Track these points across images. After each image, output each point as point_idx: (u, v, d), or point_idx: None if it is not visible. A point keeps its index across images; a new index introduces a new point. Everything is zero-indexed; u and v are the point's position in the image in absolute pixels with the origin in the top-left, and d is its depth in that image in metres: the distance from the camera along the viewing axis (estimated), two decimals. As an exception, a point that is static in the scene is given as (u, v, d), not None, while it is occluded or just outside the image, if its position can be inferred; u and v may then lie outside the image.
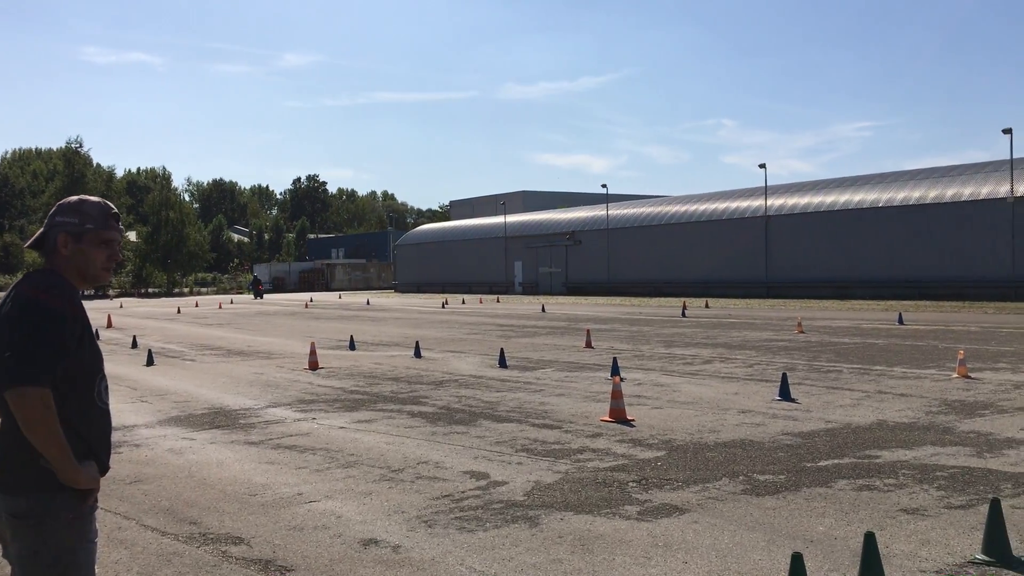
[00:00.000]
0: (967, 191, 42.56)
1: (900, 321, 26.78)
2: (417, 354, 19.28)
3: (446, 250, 79.61)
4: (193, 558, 5.83)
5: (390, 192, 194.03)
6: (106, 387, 3.25)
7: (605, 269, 61.53)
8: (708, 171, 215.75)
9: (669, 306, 41.37)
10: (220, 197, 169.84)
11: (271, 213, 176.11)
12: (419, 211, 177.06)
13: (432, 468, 8.29)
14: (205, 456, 9.13)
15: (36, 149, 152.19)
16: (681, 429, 10.03)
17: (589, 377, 15.09)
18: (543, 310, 40.25)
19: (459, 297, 61.81)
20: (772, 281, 50.15)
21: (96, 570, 3.21)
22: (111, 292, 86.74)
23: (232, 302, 62.86)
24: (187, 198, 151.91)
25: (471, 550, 5.82)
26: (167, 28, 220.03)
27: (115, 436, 8.90)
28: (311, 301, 59.88)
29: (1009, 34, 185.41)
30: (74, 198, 3.28)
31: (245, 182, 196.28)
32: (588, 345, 20.86)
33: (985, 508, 5.81)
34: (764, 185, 52.73)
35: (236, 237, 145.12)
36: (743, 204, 53.87)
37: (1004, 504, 5.90)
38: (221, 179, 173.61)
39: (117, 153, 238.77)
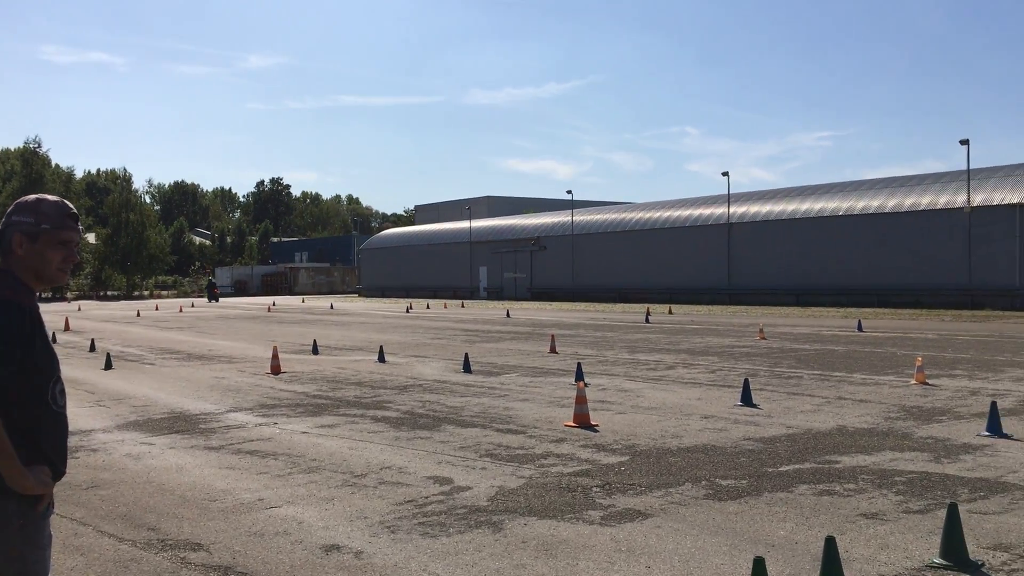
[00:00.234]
0: (925, 201, 43.29)
1: (859, 328, 27.14)
2: (381, 359, 19.18)
3: (411, 255, 79.39)
4: (151, 565, 5.74)
5: (355, 196, 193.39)
6: (61, 390, 3.17)
7: (570, 275, 61.72)
8: (672, 178, 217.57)
9: (633, 312, 41.58)
10: (182, 199, 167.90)
11: (234, 216, 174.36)
12: (384, 215, 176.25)
13: (395, 473, 8.24)
14: (164, 461, 9.00)
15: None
16: (644, 434, 10.07)
17: (553, 382, 15.10)
18: (508, 315, 40.26)
19: (424, 302, 61.64)
20: (734, 288, 50.62)
21: (50, 577, 3.14)
22: (69, 295, 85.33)
23: (193, 305, 62.14)
24: (148, 200, 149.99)
25: (434, 556, 5.79)
26: (129, 28, 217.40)
27: (72, 441, 8.73)
28: (274, 305, 59.37)
29: (967, 46, 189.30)
30: (32, 197, 3.21)
31: (207, 184, 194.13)
32: (553, 350, 20.90)
33: (943, 513, 5.90)
34: (727, 193, 53.23)
35: (198, 240, 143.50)
36: (706, 211, 54.34)
37: (961, 509, 5.99)
38: (183, 181, 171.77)
39: (77, 154, 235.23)
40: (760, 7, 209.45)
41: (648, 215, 58.43)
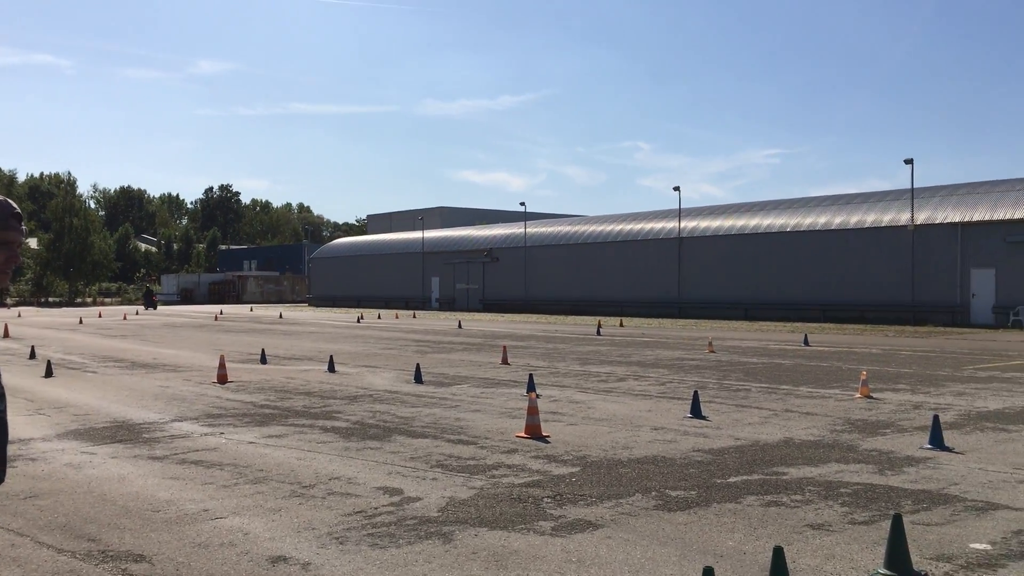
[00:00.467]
0: (870, 218, 44.20)
1: (806, 342, 27.58)
2: (331, 368, 19.00)
3: (363, 264, 78.89)
4: (91, 577, 5.59)
5: (306, 204, 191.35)
6: (1, 395, 3.07)
7: (522, 286, 61.83)
8: (624, 192, 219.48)
9: (584, 324, 41.77)
10: (128, 205, 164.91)
11: (181, 223, 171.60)
12: (336, 224, 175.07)
13: (344, 484, 8.15)
14: (106, 471, 8.79)
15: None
16: (595, 445, 10.10)
17: (505, 393, 15.09)
18: (460, 326, 40.18)
19: (375, 312, 61.26)
20: (684, 301, 51.14)
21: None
22: (9, 301, 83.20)
23: (138, 313, 61.00)
24: (92, 205, 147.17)
25: (383, 567, 5.72)
26: (77, 30, 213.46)
27: (10, 449, 8.49)
28: (221, 313, 58.53)
29: (911, 68, 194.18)
30: (-27, 196, 3.11)
31: (154, 190, 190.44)
32: (504, 361, 20.89)
33: (887, 524, 5.99)
34: (678, 208, 53.83)
35: (143, 246, 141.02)
36: (657, 226, 54.88)
37: (905, 520, 6.10)
38: (129, 186, 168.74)
39: (19, 157, 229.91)
40: (711, 26, 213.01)
41: (600, 228, 58.83)
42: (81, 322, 45.38)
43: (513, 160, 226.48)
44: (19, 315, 55.43)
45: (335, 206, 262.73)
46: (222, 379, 16.89)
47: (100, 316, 54.77)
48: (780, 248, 47.10)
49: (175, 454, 9.66)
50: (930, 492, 7.78)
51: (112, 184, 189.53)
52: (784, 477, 8.40)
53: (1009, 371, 18.77)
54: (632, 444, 10.19)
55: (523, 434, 10.68)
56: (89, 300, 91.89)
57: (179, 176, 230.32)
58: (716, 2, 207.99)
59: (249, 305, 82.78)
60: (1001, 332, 34.23)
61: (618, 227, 57.55)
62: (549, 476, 8.45)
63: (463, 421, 11.97)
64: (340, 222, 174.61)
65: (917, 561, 5.70)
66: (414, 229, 79.74)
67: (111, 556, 5.99)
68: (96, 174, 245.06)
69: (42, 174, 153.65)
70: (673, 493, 7.75)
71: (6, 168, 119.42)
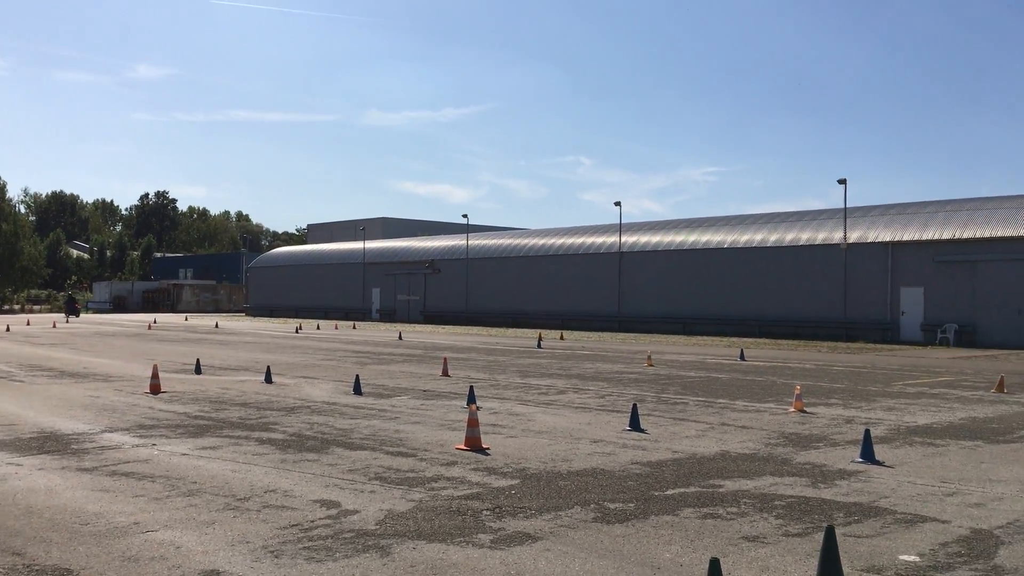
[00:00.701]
0: (805, 236, 45.17)
1: (742, 357, 28.02)
2: (268, 379, 18.72)
3: (302, 274, 77.97)
4: (13, 593, 5.40)
5: (245, 212, 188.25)
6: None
7: (463, 298, 61.75)
8: (566, 206, 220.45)
9: (525, 337, 41.86)
10: (60, 210, 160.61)
11: (115, 229, 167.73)
12: (275, 233, 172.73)
13: (280, 497, 8.02)
14: (32, 483, 8.52)
15: None
16: (535, 458, 10.11)
17: (445, 405, 15.03)
18: (400, 338, 39.95)
19: (314, 322, 60.59)
20: (624, 315, 51.60)
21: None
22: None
23: (68, 321, 59.40)
24: (23, 210, 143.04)
25: (320, 581, 5.64)
26: (10, 31, 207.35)
27: (-71, 461, 8.18)
28: (155, 322, 57.32)
29: (844, 90, 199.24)
30: None
31: (88, 196, 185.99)
32: (445, 373, 20.82)
33: (820, 536, 6.11)
34: (619, 223, 54.37)
35: (75, 253, 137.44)
36: (599, 240, 55.33)
37: (837, 532, 6.21)
38: (62, 192, 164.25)
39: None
40: (653, 45, 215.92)
41: (542, 242, 59.10)
42: (8, 329, 44.05)
43: (456, 172, 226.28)
44: (-58, 322, 53.60)
45: (275, 215, 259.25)
46: (155, 389, 16.53)
47: (28, 324, 53.23)
48: (718, 264, 47.85)
49: (105, 466, 9.41)
50: (861, 505, 7.95)
51: (44, 189, 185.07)
52: (720, 490, 8.51)
53: (937, 387, 19.31)
54: (571, 457, 10.23)
55: (463, 446, 10.65)
56: (17, 307, 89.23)
57: (114, 182, 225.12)
58: (658, 21, 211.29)
59: (184, 314, 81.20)
60: (929, 349, 35.22)
61: (560, 241, 57.89)
62: (488, 488, 8.43)
63: (402, 433, 11.89)
64: (280, 231, 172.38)
65: (848, 572, 5.81)
66: (355, 239, 79.08)
67: (37, 570, 5.81)
68: (27, 178, 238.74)
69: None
70: (611, 505, 7.79)
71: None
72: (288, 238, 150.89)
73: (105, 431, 11.84)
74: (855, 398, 16.88)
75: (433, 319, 62.57)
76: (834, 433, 12.33)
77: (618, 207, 53.15)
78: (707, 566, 4.86)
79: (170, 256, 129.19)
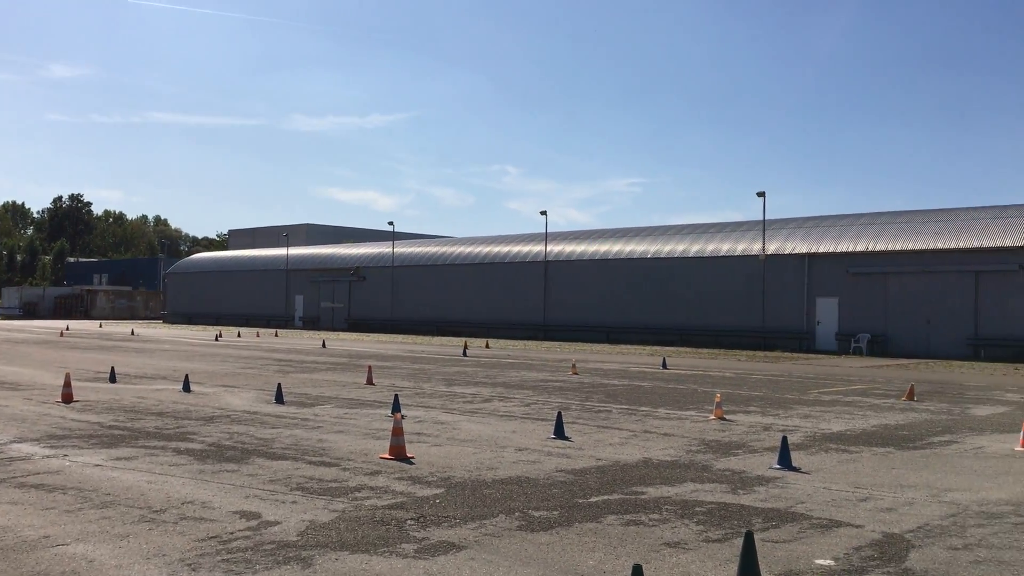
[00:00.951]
0: (725, 247, 46.15)
1: (664, 366, 28.45)
2: (186, 388, 18.28)
3: (223, 281, 76.42)
4: (-88, 612, 5.16)
5: (163, 217, 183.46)
6: None
7: (389, 306, 61.31)
8: (492, 215, 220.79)
9: (451, 345, 41.76)
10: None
11: (26, 232, 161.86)
12: (195, 239, 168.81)
13: (198, 508, 7.83)
14: (-67, 497, 8.14)
15: None
16: (460, 466, 10.08)
17: (369, 414, 14.89)
18: (324, 345, 39.44)
19: (235, 330, 59.42)
20: (549, 324, 51.91)
21: None
22: None
23: (-26, 327, 57.10)
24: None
25: (239, 594, 5.51)
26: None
27: None
28: (67, 329, 55.46)
29: (763, 105, 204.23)
30: None
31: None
32: (369, 382, 20.63)
33: (739, 541, 6.23)
34: (544, 232, 54.72)
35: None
36: (524, 249, 55.59)
37: (756, 537, 6.35)
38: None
39: None
40: (577, 56, 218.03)
41: (468, 250, 59.11)
42: (-92, 336, 42.08)
43: (381, 179, 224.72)
44: None
45: (194, 220, 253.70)
46: (67, 398, 16.00)
47: (-70, 330, 50.95)
48: (641, 274, 48.53)
49: (13, 477, 9.06)
50: (779, 510, 8.14)
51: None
52: (643, 496, 8.61)
53: (851, 395, 19.90)
54: (497, 465, 10.23)
55: (387, 455, 10.56)
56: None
57: (25, 183, 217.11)
58: (583, 34, 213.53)
59: (99, 321, 78.76)
60: (843, 358, 36.29)
61: (486, 249, 57.98)
62: (413, 498, 8.38)
63: (325, 442, 11.73)
64: (200, 236, 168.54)
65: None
66: (278, 246, 77.87)
67: (-64, 589, 5.55)
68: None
69: None
70: (536, 513, 7.81)
71: None
72: (208, 244, 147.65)
73: (13, 441, 11.40)
74: (773, 406, 17.28)
75: (358, 327, 61.97)
76: (753, 440, 12.59)
77: (544, 216, 53.55)
78: (630, 573, 4.90)
79: (84, 261, 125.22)
